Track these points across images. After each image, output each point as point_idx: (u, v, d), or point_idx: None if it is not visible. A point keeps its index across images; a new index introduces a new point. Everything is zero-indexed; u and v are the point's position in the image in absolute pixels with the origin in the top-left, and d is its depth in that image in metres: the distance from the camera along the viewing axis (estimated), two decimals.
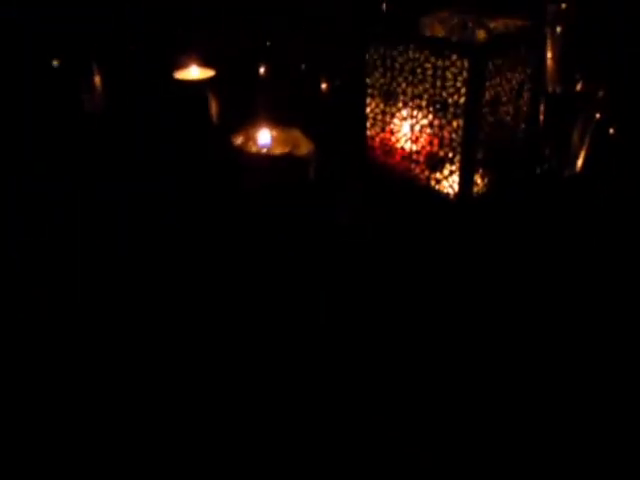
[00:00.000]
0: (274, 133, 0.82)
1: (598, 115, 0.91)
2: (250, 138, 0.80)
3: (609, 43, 1.00)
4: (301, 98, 1.11)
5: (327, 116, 1.05)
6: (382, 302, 0.80)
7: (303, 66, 1.15)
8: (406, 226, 0.94)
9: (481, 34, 1.01)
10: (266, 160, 0.77)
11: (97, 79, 1.20)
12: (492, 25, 0.99)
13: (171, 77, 1.18)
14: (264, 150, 0.78)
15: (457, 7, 1.03)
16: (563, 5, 1.14)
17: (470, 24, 1.02)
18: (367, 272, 0.84)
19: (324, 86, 1.15)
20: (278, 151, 0.79)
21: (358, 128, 1.00)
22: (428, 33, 1.05)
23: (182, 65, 1.22)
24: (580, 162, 0.93)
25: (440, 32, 1.05)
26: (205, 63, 1.22)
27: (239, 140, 0.78)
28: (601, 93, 0.84)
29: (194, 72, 1.21)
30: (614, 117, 0.96)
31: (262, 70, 1.18)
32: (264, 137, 0.80)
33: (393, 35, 0.90)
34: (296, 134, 0.82)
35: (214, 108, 1.17)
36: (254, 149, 0.79)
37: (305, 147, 0.80)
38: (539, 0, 0.98)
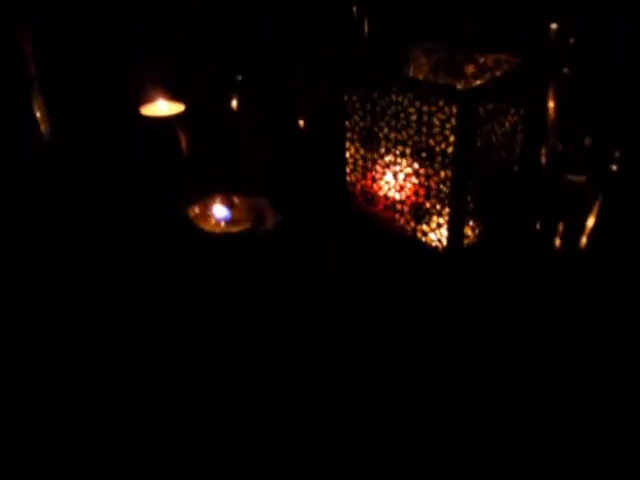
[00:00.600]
0: (236, 201, 0.72)
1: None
2: (208, 209, 0.71)
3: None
4: (274, 137, 1.02)
5: (303, 159, 0.96)
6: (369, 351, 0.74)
7: (276, 103, 1.06)
8: (390, 278, 0.85)
9: (470, 69, 0.93)
10: (223, 238, 0.67)
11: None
12: (482, 60, 0.91)
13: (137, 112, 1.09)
14: (222, 225, 0.68)
15: (444, 38, 0.95)
16: (554, 26, 1.06)
17: (458, 57, 0.93)
18: (353, 323, 0.77)
19: (301, 124, 1.06)
20: (237, 226, 0.69)
21: (337, 174, 0.91)
22: (412, 67, 0.97)
23: (149, 98, 1.12)
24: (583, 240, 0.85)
25: (425, 65, 0.96)
26: (173, 96, 1.13)
27: (195, 211, 0.69)
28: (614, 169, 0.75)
29: (162, 107, 1.12)
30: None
31: (234, 104, 1.09)
32: (221, 211, 0.70)
33: (373, 76, 0.81)
34: (261, 203, 0.73)
35: (184, 146, 1.08)
36: (211, 224, 0.69)
37: (270, 219, 0.70)
38: (535, 32, 0.89)
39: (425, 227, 0.85)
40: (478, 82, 0.92)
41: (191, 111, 1.10)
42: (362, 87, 0.84)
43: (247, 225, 0.68)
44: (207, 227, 0.67)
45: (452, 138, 0.78)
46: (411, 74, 0.98)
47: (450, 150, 0.78)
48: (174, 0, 1.17)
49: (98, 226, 0.90)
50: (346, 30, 1.09)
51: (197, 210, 0.69)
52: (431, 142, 0.80)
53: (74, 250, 0.86)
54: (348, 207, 0.92)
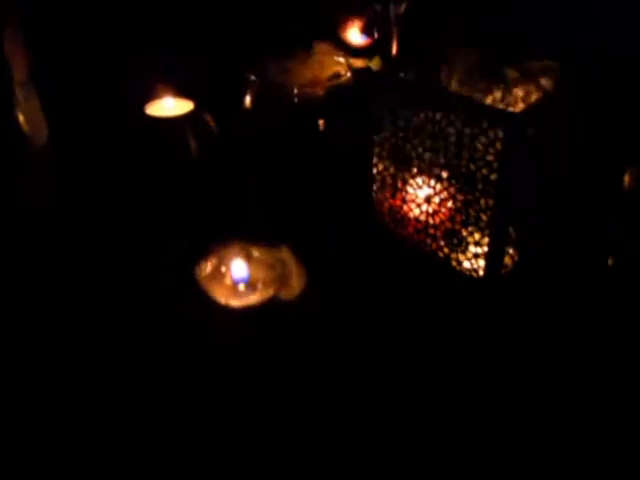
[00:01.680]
0: (255, 253, 0.62)
1: None
2: (221, 265, 0.61)
3: None
4: (292, 143, 0.93)
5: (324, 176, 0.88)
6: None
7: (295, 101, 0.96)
8: (419, 304, 0.78)
9: (511, 73, 0.83)
10: (240, 314, 0.58)
11: None
12: (525, 65, 0.81)
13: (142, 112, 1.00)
14: (241, 287, 0.58)
15: (481, 40, 0.85)
16: None
17: (498, 60, 0.84)
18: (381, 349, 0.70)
19: (321, 124, 0.97)
20: (258, 294, 0.58)
21: (363, 189, 0.83)
22: (446, 69, 0.87)
23: (154, 96, 1.03)
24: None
25: (460, 67, 0.87)
26: (182, 93, 1.04)
27: (206, 270, 0.59)
28: None
29: (169, 104, 1.03)
30: None
31: (247, 102, 1.00)
32: (240, 269, 0.60)
33: (405, 88, 0.72)
34: (284, 256, 0.63)
35: (193, 150, 0.99)
36: (225, 285, 0.59)
37: (296, 282, 0.60)
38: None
39: (460, 256, 0.77)
40: (520, 89, 0.82)
41: (201, 110, 1.01)
42: (393, 98, 0.74)
43: (269, 292, 0.58)
44: (220, 294, 0.58)
45: (496, 164, 0.69)
46: (444, 77, 0.89)
47: (493, 177, 0.70)
48: None
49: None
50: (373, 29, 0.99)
51: (208, 268, 0.59)
52: (472, 167, 0.71)
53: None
54: (373, 225, 0.84)
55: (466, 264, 0.78)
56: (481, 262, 0.76)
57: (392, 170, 0.80)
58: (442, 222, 0.77)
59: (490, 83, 0.86)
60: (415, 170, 0.78)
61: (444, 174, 0.74)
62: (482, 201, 0.72)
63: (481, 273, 0.77)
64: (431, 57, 0.87)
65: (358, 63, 1.28)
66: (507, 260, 0.78)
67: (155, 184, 0.96)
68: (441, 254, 0.80)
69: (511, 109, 0.84)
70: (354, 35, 1.23)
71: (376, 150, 0.80)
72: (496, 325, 0.76)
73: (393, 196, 0.81)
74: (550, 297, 0.78)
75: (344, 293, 0.75)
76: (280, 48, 1.22)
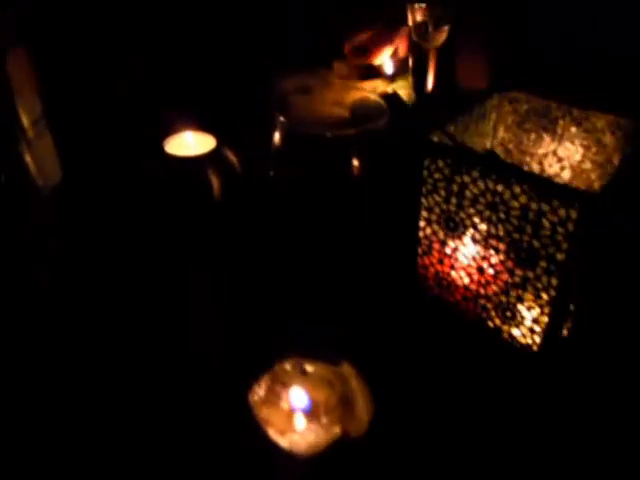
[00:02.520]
0: (309, 369, 0.54)
1: None
2: (277, 386, 0.53)
3: None
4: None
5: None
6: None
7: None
8: (467, 374, 0.72)
9: (568, 126, 0.77)
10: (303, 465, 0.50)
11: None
12: (585, 117, 0.75)
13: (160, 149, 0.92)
14: (300, 415, 0.51)
15: (537, 86, 0.78)
16: None
17: (554, 110, 0.77)
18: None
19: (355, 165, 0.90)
20: (321, 431, 0.50)
21: (406, 252, 0.76)
22: (494, 116, 0.81)
23: (173, 129, 0.95)
24: None
25: (510, 116, 0.80)
26: (202, 126, 0.96)
27: (260, 394, 0.51)
28: None
29: (189, 141, 0.95)
30: None
31: (275, 140, 0.92)
32: (301, 398, 0.52)
33: (464, 154, 0.66)
34: (345, 371, 0.55)
35: (215, 187, 0.92)
36: (282, 412, 0.51)
37: (362, 407, 0.52)
38: None
39: (514, 330, 0.72)
40: (579, 144, 0.76)
41: (223, 147, 0.94)
42: (447, 166, 0.68)
43: (336, 430, 0.50)
44: (277, 428, 0.50)
45: (565, 245, 0.63)
46: (491, 126, 0.82)
47: (560, 257, 0.64)
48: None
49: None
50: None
51: (262, 392, 0.52)
52: (535, 243, 0.65)
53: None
54: (417, 290, 0.78)
55: (519, 336, 0.72)
56: (536, 337, 0.70)
57: (441, 236, 0.73)
58: (495, 294, 0.71)
59: (544, 134, 0.80)
60: (467, 238, 0.71)
61: (501, 246, 0.68)
62: (545, 279, 0.66)
63: (535, 348, 0.71)
64: (474, 100, 0.81)
65: (379, 85, 1.20)
66: (565, 331, 0.73)
67: (175, 231, 0.89)
68: (491, 324, 0.74)
69: (567, 168, 0.78)
70: (381, 57, 1.16)
71: (423, 213, 0.73)
72: (549, 399, 0.71)
73: (441, 262, 0.75)
74: (605, 371, 0.73)
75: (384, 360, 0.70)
76: (297, 63, 1.14)
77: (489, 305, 0.73)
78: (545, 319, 0.69)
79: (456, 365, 0.73)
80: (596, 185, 0.78)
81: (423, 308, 0.79)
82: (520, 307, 0.70)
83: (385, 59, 1.17)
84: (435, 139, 0.70)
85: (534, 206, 0.63)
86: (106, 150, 0.96)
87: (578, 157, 0.78)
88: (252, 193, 0.95)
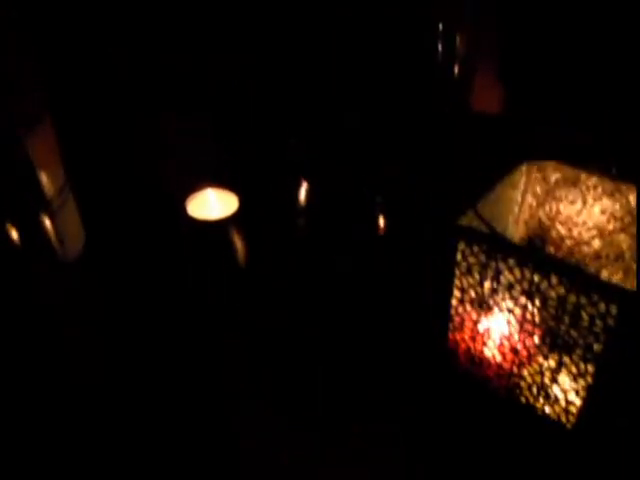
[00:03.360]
0: None
1: None
2: None
3: None
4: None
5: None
6: None
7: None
8: (499, 450, 0.72)
9: (602, 199, 0.77)
10: None
11: None
12: (624, 193, 0.75)
13: (183, 211, 0.91)
14: None
15: (567, 156, 0.78)
16: None
17: (588, 184, 0.77)
18: None
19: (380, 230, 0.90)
20: None
21: (439, 327, 0.76)
22: (522, 184, 0.80)
23: (195, 187, 0.95)
24: None
25: (540, 185, 0.80)
26: (223, 183, 0.95)
27: None
28: None
29: (211, 200, 0.94)
30: None
31: (301, 200, 0.92)
32: None
33: (500, 242, 0.65)
34: None
35: (239, 251, 0.91)
36: None
37: None
38: None
39: (547, 408, 0.71)
40: (610, 214, 0.76)
41: (247, 207, 0.93)
42: (482, 251, 0.67)
43: None
44: None
45: (604, 337, 0.62)
46: (519, 193, 0.82)
47: (598, 347, 0.63)
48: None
49: None
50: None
51: None
52: (573, 333, 0.64)
53: None
54: (448, 366, 0.78)
55: (552, 414, 0.72)
56: (571, 417, 0.70)
57: (474, 316, 0.73)
58: (530, 374, 0.71)
59: (572, 202, 0.79)
60: (501, 320, 0.71)
61: (537, 331, 0.68)
62: (581, 365, 0.66)
63: (569, 427, 0.71)
64: (503, 168, 0.80)
65: None
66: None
67: (199, 295, 0.88)
68: (523, 398, 0.74)
69: (597, 237, 0.78)
70: None
71: (456, 293, 0.73)
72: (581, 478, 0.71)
73: (473, 339, 0.74)
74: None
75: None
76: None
77: (522, 383, 0.73)
78: (580, 401, 0.68)
79: (487, 441, 0.72)
80: (627, 255, 0.78)
81: (453, 383, 0.78)
82: (555, 388, 0.70)
83: None
84: (468, 222, 0.69)
85: (573, 298, 0.63)
86: (129, 212, 0.95)
87: (610, 227, 0.77)
88: (279, 256, 0.94)
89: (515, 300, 0.68)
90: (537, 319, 0.67)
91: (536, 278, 0.65)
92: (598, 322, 0.62)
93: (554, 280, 0.63)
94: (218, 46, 1.00)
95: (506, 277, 0.67)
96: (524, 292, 0.67)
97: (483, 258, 0.68)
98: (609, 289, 0.60)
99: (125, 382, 0.77)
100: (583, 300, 0.62)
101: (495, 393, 0.77)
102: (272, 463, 0.67)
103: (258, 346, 0.83)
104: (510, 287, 0.67)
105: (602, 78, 0.83)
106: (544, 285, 0.64)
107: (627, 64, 0.83)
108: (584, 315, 0.63)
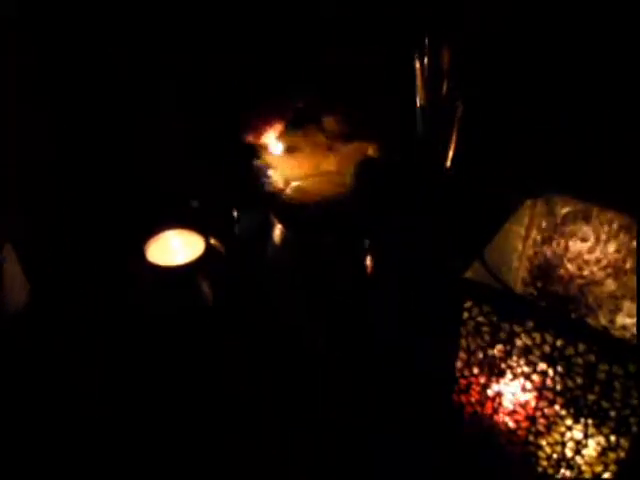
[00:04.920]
0: None
1: None
2: None
3: None
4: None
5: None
6: None
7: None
8: None
9: (619, 235, 0.68)
10: None
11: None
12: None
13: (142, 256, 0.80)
14: None
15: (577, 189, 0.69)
16: None
17: (601, 219, 0.69)
18: None
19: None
20: None
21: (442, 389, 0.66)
22: (526, 218, 0.71)
23: (155, 228, 0.83)
24: None
25: (546, 220, 0.71)
26: (187, 224, 0.84)
27: None
28: None
29: (174, 242, 0.83)
30: None
31: (276, 238, 0.81)
32: None
33: (516, 303, 0.56)
34: None
35: (206, 294, 0.81)
36: None
37: None
38: None
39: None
40: (626, 251, 0.67)
41: (214, 250, 0.82)
42: (492, 311, 0.57)
43: None
44: None
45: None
46: (524, 227, 0.73)
47: (634, 420, 0.54)
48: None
49: None
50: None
51: None
52: (604, 404, 0.55)
53: None
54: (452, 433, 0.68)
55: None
56: None
57: (482, 380, 0.63)
58: (550, 444, 0.62)
59: (582, 238, 0.70)
60: (516, 385, 0.61)
61: (559, 400, 0.58)
62: (612, 438, 0.57)
63: None
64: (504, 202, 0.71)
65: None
66: None
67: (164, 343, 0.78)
68: (539, 469, 0.65)
69: (612, 275, 0.69)
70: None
71: (462, 355, 0.63)
72: None
73: (481, 404, 0.65)
74: None
75: None
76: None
77: (540, 453, 0.63)
78: (610, 475, 0.59)
79: None
80: None
81: (459, 448, 0.69)
82: (579, 460, 0.61)
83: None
84: (474, 273, 0.60)
85: (604, 366, 0.53)
86: (80, 258, 0.83)
87: (627, 266, 0.69)
88: (247, 299, 0.83)
89: (533, 365, 0.58)
90: (559, 387, 0.57)
91: (559, 343, 0.55)
92: (634, 394, 0.53)
93: (582, 347, 0.54)
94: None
95: (523, 340, 0.57)
96: (544, 357, 0.57)
97: (494, 318, 0.58)
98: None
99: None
100: (617, 370, 0.53)
101: (507, 459, 0.67)
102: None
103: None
104: (527, 351, 0.58)
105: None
106: (569, 351, 0.55)
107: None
108: (618, 385, 0.54)
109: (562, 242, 0.72)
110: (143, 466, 0.64)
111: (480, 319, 0.59)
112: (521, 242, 0.75)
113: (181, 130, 0.90)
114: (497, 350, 0.60)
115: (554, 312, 0.58)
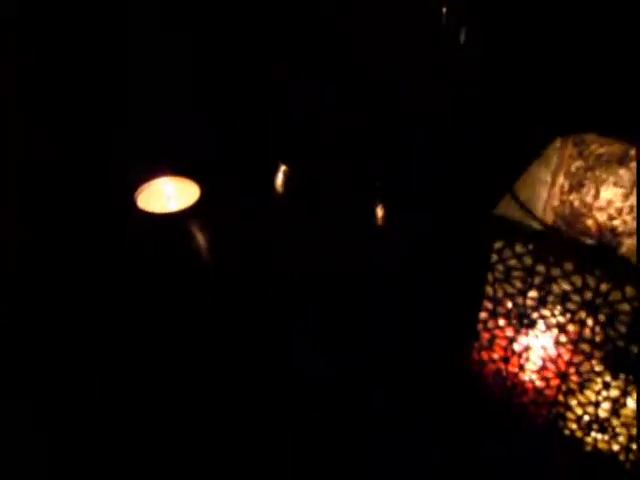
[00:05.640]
0: None
1: None
2: None
3: None
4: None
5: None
6: None
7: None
8: None
9: None
10: None
11: None
12: None
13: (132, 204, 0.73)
14: None
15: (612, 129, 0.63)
16: None
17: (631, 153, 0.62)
18: None
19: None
20: None
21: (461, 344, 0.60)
22: (554, 160, 0.65)
23: (147, 175, 0.76)
24: None
25: (575, 161, 0.65)
26: (181, 171, 0.77)
27: None
28: None
29: (167, 189, 0.76)
30: None
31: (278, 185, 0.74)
32: None
33: (554, 241, 0.49)
34: None
35: (201, 249, 0.74)
36: None
37: None
38: None
39: (602, 444, 0.56)
40: None
41: (210, 198, 0.75)
42: (527, 248, 0.51)
43: None
44: None
45: None
46: (550, 172, 0.66)
47: None
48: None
49: None
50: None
51: None
52: None
53: None
54: (470, 392, 0.62)
55: (607, 450, 0.57)
56: (632, 455, 0.55)
57: (509, 332, 0.57)
58: (581, 404, 0.56)
59: (615, 183, 0.64)
60: (547, 337, 0.55)
61: (597, 353, 0.52)
62: None
63: (629, 466, 0.56)
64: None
65: None
66: None
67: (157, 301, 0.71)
68: (567, 432, 0.59)
69: None
70: None
71: (487, 304, 0.56)
72: None
73: (505, 360, 0.59)
74: None
75: None
76: None
77: (570, 414, 0.57)
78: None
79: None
80: None
81: (476, 408, 0.63)
82: (615, 421, 0.55)
83: None
84: (503, 211, 0.53)
85: None
86: (80, 257, 0.76)
87: None
88: (245, 255, 0.76)
89: (570, 314, 0.52)
90: (599, 337, 0.51)
91: (604, 287, 0.49)
92: None
93: (629, 291, 0.48)
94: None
95: (560, 285, 0.51)
96: (584, 304, 0.51)
97: (529, 261, 0.52)
98: None
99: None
100: None
101: (530, 422, 0.61)
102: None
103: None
104: (565, 298, 0.51)
105: None
106: (615, 296, 0.49)
107: None
108: None
109: (592, 188, 0.66)
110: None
111: (512, 262, 0.53)
112: (546, 190, 0.68)
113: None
114: (529, 298, 0.54)
115: (598, 253, 0.52)
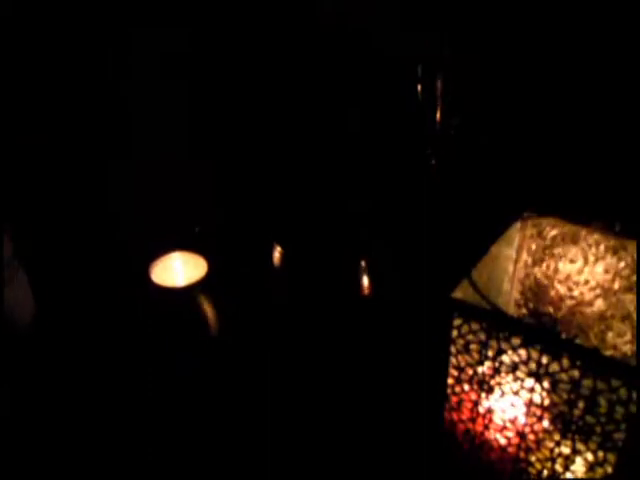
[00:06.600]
0: None
1: None
2: None
3: None
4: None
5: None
6: None
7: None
8: None
9: (606, 257, 0.70)
10: None
11: None
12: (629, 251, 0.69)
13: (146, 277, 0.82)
14: None
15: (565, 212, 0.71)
16: None
17: (589, 241, 0.71)
18: None
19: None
20: None
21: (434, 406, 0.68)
22: (516, 244, 0.73)
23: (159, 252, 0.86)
24: None
25: (533, 243, 0.73)
26: (188, 246, 0.87)
27: None
28: None
29: (176, 265, 0.86)
30: None
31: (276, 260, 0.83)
32: None
33: (503, 320, 0.58)
34: None
35: (209, 320, 0.83)
36: None
37: None
38: None
39: None
40: (614, 272, 0.69)
41: (215, 272, 0.84)
42: (482, 329, 0.59)
43: None
44: None
45: (625, 425, 0.55)
46: (514, 250, 0.75)
47: (619, 436, 0.55)
48: None
49: None
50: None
51: None
52: (589, 419, 0.57)
53: None
54: (444, 451, 0.70)
55: None
56: None
57: (473, 396, 0.65)
58: (539, 461, 0.63)
59: (571, 260, 0.72)
60: (505, 402, 0.63)
61: (546, 415, 0.60)
62: (600, 454, 0.58)
63: None
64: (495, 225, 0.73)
65: None
66: None
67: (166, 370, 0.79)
68: None
69: (601, 296, 0.71)
70: None
71: (452, 372, 0.65)
72: None
73: (472, 421, 0.66)
74: None
75: None
76: None
77: (531, 469, 0.65)
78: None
79: None
80: (635, 316, 0.71)
81: (450, 466, 0.70)
82: (568, 476, 0.62)
83: None
84: (463, 293, 0.62)
85: (588, 382, 0.55)
86: (87, 279, 0.85)
87: (615, 286, 0.71)
88: (253, 327, 0.85)
89: (520, 382, 0.60)
90: (546, 402, 0.59)
91: (545, 359, 0.57)
92: (619, 409, 0.55)
93: (566, 363, 0.56)
94: None
95: (510, 357, 0.59)
96: (531, 374, 0.59)
97: (482, 336, 0.60)
98: (630, 373, 0.53)
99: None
100: (601, 385, 0.54)
101: (498, 477, 0.68)
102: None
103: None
104: (514, 368, 0.60)
105: (600, 134, 0.77)
106: (554, 367, 0.57)
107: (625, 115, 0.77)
108: (602, 401, 0.55)
109: (552, 264, 0.74)
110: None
111: (469, 337, 0.61)
112: (512, 265, 0.77)
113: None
114: (486, 367, 0.62)
115: (540, 330, 0.60)
